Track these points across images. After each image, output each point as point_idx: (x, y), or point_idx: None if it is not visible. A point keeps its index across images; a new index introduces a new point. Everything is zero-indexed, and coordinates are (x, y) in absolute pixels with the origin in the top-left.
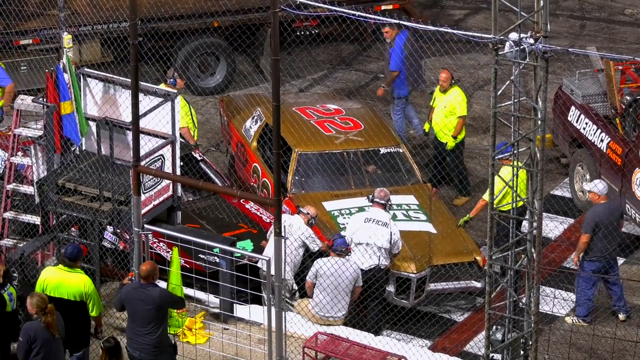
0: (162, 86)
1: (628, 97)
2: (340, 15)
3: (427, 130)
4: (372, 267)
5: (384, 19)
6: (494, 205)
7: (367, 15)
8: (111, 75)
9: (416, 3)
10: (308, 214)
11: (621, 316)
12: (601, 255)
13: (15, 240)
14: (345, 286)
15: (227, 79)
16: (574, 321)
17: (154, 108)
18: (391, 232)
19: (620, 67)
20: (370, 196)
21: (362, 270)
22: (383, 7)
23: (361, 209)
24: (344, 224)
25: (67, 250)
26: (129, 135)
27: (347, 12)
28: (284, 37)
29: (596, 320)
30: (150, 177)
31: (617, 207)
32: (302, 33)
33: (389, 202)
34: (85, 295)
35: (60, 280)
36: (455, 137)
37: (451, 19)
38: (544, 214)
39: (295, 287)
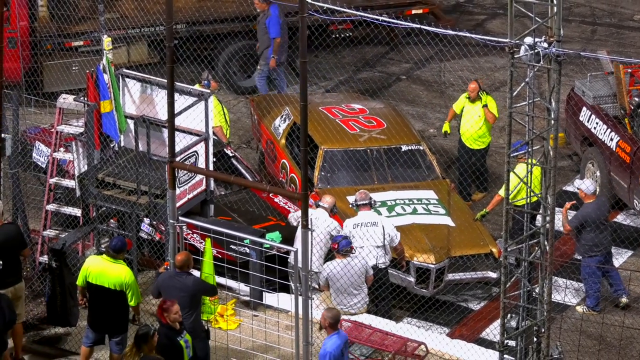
0: (197, 87)
1: (637, 99)
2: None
3: (447, 132)
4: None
5: (406, 23)
6: (510, 200)
7: (391, 20)
8: (148, 76)
9: (441, 8)
10: (324, 205)
11: (624, 299)
12: (598, 249)
13: (57, 231)
14: (357, 280)
15: None
16: (585, 310)
17: (189, 107)
18: (383, 228)
19: (629, 70)
20: (354, 203)
21: None
22: (413, 12)
23: (383, 203)
24: None
25: (112, 242)
26: (165, 132)
27: (372, 17)
28: (316, 39)
29: (605, 309)
30: (185, 172)
31: (604, 202)
32: (338, 36)
33: (372, 200)
34: (125, 286)
35: (103, 269)
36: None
37: (469, 23)
38: (557, 208)
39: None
